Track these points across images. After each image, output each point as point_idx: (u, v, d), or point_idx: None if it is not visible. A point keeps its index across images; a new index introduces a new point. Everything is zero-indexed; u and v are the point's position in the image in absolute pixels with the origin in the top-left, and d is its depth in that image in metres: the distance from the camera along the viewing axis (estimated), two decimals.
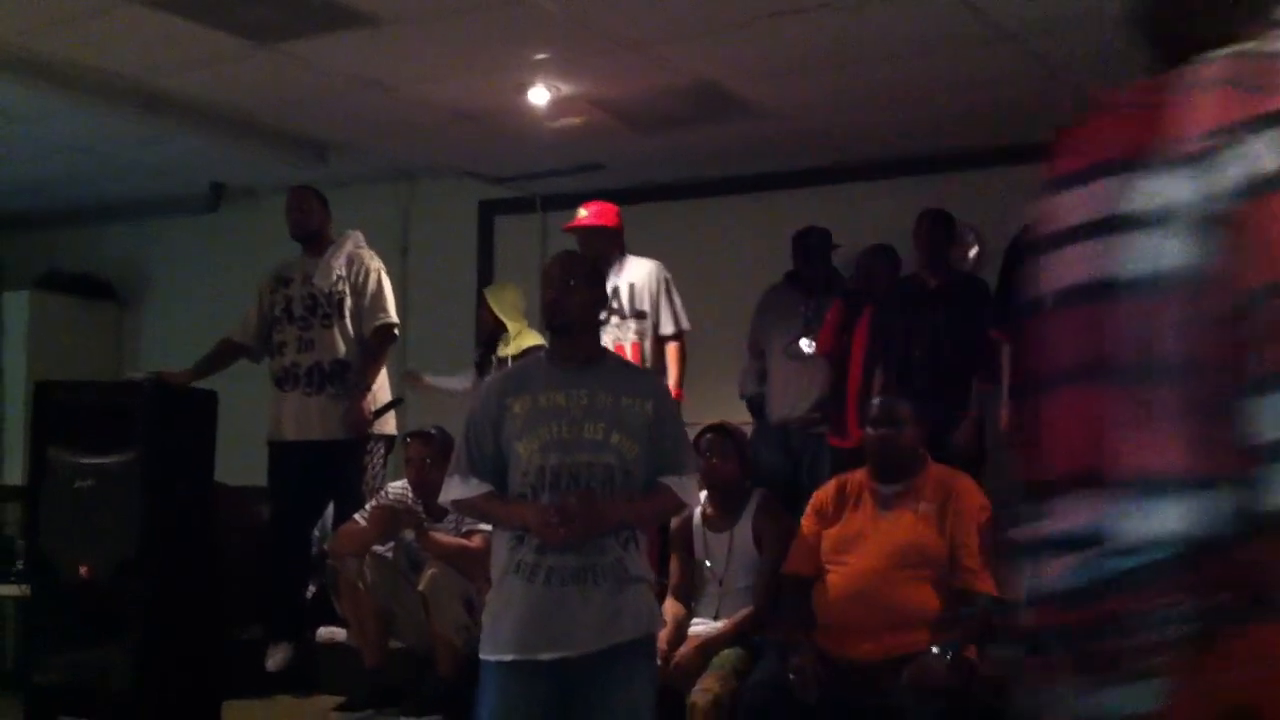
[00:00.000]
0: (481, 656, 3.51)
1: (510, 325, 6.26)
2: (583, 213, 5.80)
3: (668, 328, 5.69)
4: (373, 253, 5.86)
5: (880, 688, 4.21)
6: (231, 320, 5.99)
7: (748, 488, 4.91)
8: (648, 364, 5.53)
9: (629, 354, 5.51)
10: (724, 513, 4.84)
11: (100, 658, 5.38)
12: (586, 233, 5.73)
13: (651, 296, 5.69)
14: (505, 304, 6.56)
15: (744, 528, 4.80)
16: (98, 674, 5.35)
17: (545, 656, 3.40)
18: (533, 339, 6.24)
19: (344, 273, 5.73)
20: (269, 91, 6.18)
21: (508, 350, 6.30)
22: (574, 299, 3.58)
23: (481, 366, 6.69)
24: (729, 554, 4.81)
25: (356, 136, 6.96)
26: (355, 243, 5.85)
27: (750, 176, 7.28)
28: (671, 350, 5.67)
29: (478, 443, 3.54)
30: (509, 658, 3.43)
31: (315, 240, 5.83)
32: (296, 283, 5.77)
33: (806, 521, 4.69)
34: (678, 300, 5.73)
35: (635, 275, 5.71)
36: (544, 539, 3.39)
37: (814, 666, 4.35)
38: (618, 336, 5.57)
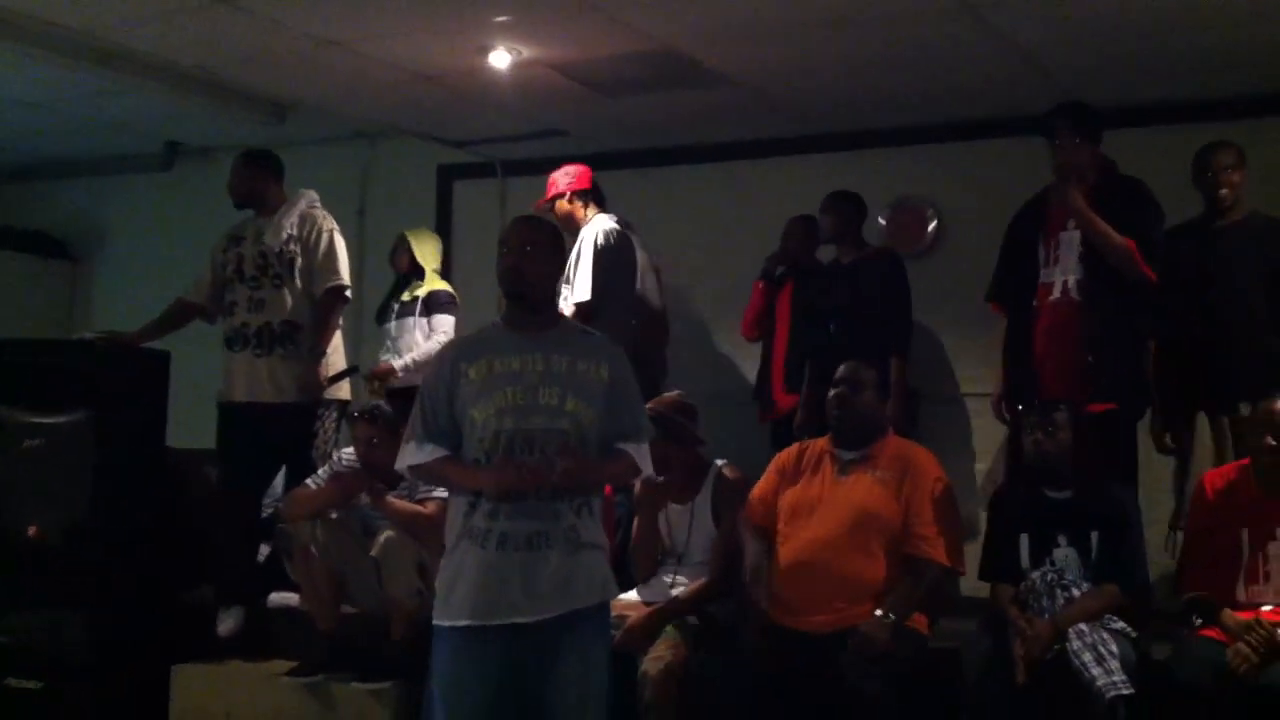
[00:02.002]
0: (435, 622, 3.51)
1: (428, 270, 6.71)
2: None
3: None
4: (326, 213, 5.80)
5: (830, 658, 4.23)
6: (186, 280, 5.92)
7: (706, 461, 4.89)
8: None
9: None
10: (685, 486, 4.84)
11: (50, 619, 5.36)
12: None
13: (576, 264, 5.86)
14: (426, 249, 6.74)
15: (704, 500, 4.80)
16: (48, 635, 5.32)
17: (498, 622, 3.40)
18: (441, 286, 6.69)
19: (295, 232, 5.67)
20: (226, 48, 6.09)
21: (417, 293, 6.66)
22: (532, 265, 3.55)
23: (383, 313, 6.76)
24: (690, 527, 4.81)
25: (315, 96, 6.87)
26: (309, 202, 5.79)
27: (713, 145, 7.25)
28: None
29: (433, 409, 3.53)
30: (462, 623, 3.42)
31: (260, 204, 5.77)
32: (248, 242, 5.72)
33: (767, 477, 4.75)
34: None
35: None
36: (506, 492, 3.38)
37: (764, 639, 4.38)
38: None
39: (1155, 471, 5.29)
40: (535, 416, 3.45)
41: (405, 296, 6.75)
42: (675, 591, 4.71)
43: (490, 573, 3.41)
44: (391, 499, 5.03)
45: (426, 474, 3.68)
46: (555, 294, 3.77)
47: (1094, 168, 5.00)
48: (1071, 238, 4.94)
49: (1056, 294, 4.97)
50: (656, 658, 4.42)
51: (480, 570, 3.42)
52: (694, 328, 7.11)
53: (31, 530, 5.38)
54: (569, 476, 3.41)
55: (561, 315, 3.86)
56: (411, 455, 3.55)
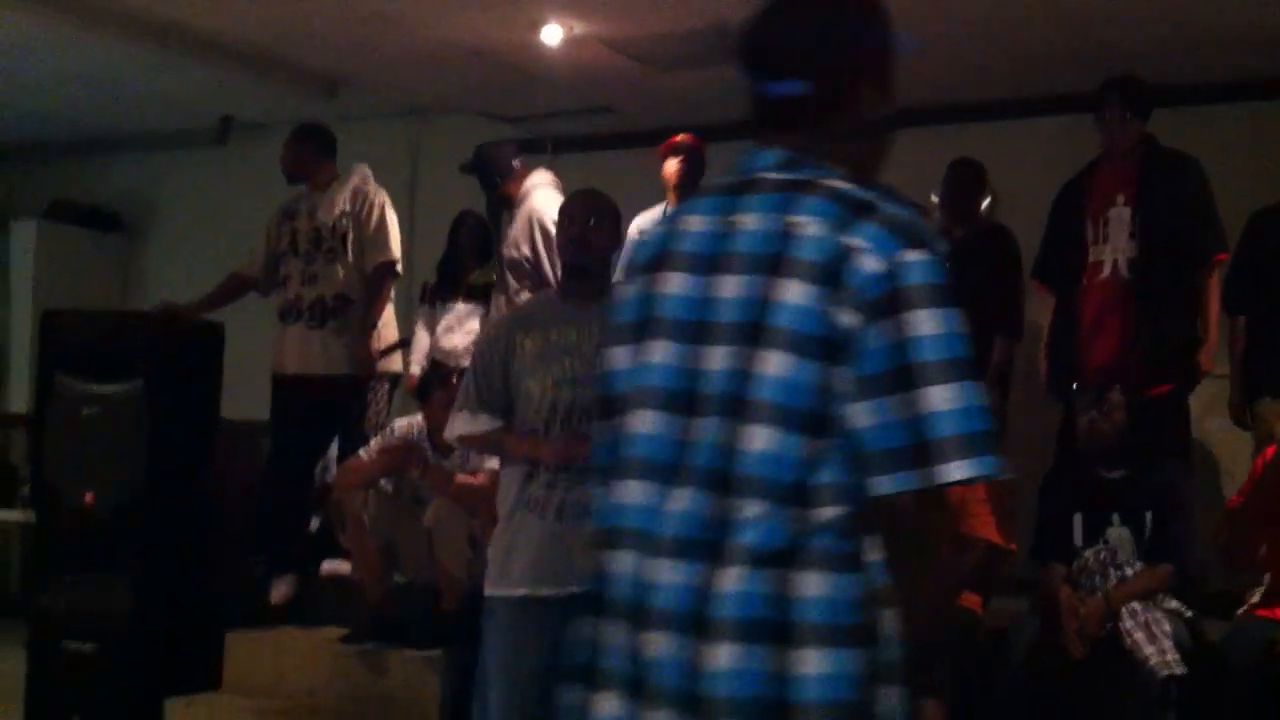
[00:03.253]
0: (488, 592, 3.51)
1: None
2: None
3: None
4: (378, 188, 5.83)
5: None
6: (239, 254, 5.98)
7: None
8: None
9: None
10: None
11: (104, 584, 5.41)
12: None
13: None
14: None
15: None
16: (101, 601, 5.38)
17: (555, 592, 3.39)
18: None
19: (348, 207, 5.70)
20: (280, 24, 6.14)
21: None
22: (596, 237, 3.56)
23: (440, 291, 6.44)
24: None
25: (367, 71, 6.91)
26: (361, 177, 5.82)
27: None
28: None
29: (486, 378, 3.52)
30: (519, 593, 3.42)
31: (311, 179, 5.81)
32: (302, 216, 5.76)
33: None
34: None
35: None
36: (567, 461, 3.37)
37: None
38: None
39: (1207, 450, 5.24)
40: (592, 388, 3.45)
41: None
42: None
43: (549, 542, 3.40)
44: (442, 470, 5.06)
45: (480, 444, 3.70)
46: (609, 264, 3.78)
47: (1140, 143, 4.96)
48: (1121, 214, 4.89)
49: (1106, 272, 4.93)
50: None
51: (538, 540, 3.41)
52: None
53: (87, 497, 5.44)
54: None
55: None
56: (464, 425, 3.55)
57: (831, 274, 1.68)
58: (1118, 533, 4.30)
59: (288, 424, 5.73)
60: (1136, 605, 4.04)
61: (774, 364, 1.68)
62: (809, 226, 1.72)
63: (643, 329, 1.83)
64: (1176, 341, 4.86)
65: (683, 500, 1.73)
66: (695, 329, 1.77)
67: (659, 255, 1.86)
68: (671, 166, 5.75)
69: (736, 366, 1.71)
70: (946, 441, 1.63)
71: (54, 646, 5.39)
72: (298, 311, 5.66)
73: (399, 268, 5.79)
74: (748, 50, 1.95)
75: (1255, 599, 4.22)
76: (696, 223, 1.85)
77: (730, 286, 1.75)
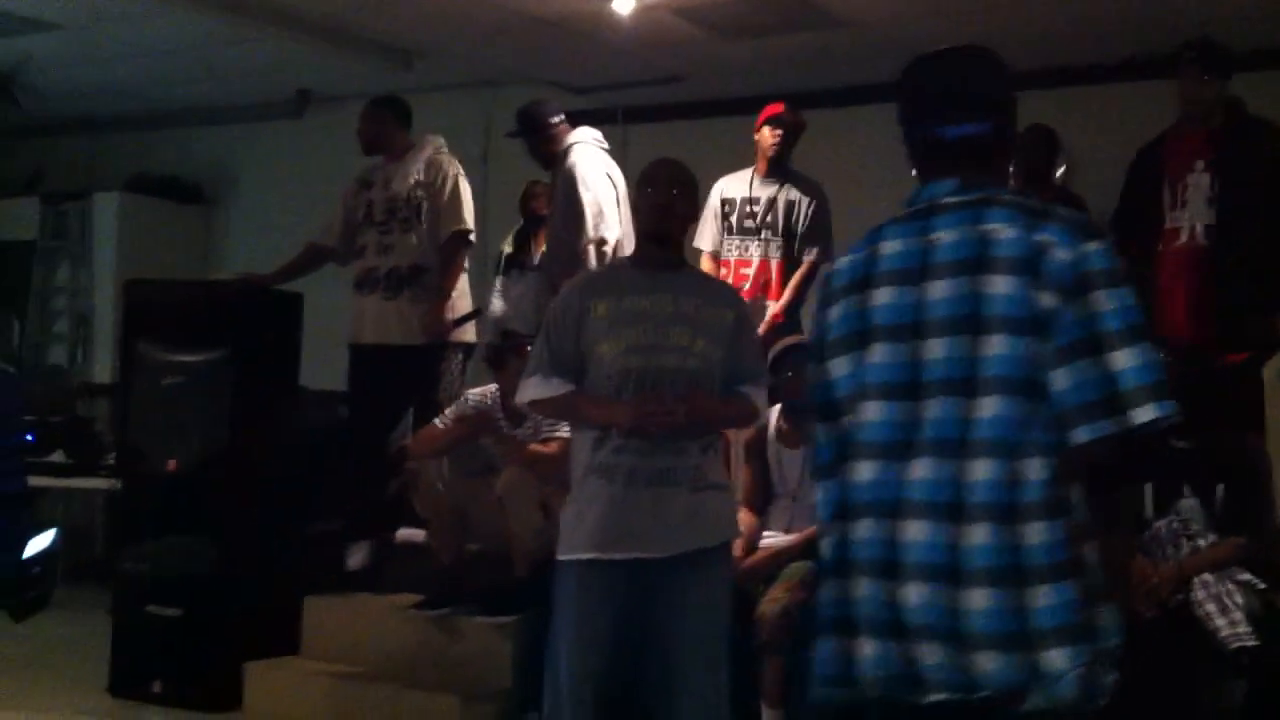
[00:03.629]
0: (559, 557, 3.56)
1: None
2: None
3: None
4: (452, 158, 5.87)
5: None
6: (316, 224, 6.06)
7: None
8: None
9: (773, 272, 5.67)
10: (798, 429, 4.85)
11: (186, 549, 5.54)
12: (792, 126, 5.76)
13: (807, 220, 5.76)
14: None
15: None
16: (183, 565, 5.51)
17: (623, 556, 3.44)
18: None
19: (422, 177, 5.75)
20: None
21: None
22: (679, 207, 3.59)
23: (514, 261, 6.55)
24: (802, 470, 4.82)
25: (442, 43, 6.97)
26: (435, 148, 5.87)
27: (835, 90, 7.19)
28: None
29: (559, 343, 3.55)
30: (587, 556, 3.47)
31: (386, 150, 5.87)
32: (378, 186, 5.82)
33: None
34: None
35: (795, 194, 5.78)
36: (640, 427, 3.41)
37: None
38: (766, 253, 5.68)
39: None
40: (665, 355, 3.48)
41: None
42: (791, 535, 4.74)
43: (617, 507, 3.44)
44: (514, 439, 5.12)
45: (553, 407, 3.72)
46: (684, 235, 3.80)
47: (1220, 108, 4.88)
48: (1200, 181, 4.82)
49: (1184, 239, 4.87)
50: (772, 600, 4.45)
51: (607, 505, 3.45)
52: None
53: (171, 464, 5.57)
54: (699, 416, 3.45)
55: (685, 259, 3.89)
56: (536, 389, 3.58)
57: (1031, 265, 2.09)
58: (1188, 504, 4.27)
59: (365, 393, 5.80)
60: (1208, 576, 4.02)
61: (995, 344, 2.09)
62: (1003, 231, 2.14)
63: (860, 338, 2.25)
64: (1253, 309, 4.79)
65: (923, 469, 2.13)
66: (911, 329, 2.18)
67: (864, 277, 2.28)
68: (769, 137, 5.77)
69: (959, 353, 2.12)
70: (1134, 391, 2.04)
71: (137, 611, 5.54)
72: (374, 281, 5.73)
73: (472, 237, 5.83)
74: (921, 98, 2.37)
75: None
76: (893, 246, 2.27)
77: (940, 289, 2.16)
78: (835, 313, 2.32)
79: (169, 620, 5.49)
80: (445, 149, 5.90)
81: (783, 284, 5.69)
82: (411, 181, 5.74)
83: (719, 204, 5.83)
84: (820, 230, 5.75)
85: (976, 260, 2.14)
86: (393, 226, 5.74)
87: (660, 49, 6.67)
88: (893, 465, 2.17)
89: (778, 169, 5.76)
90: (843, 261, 2.37)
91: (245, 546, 5.53)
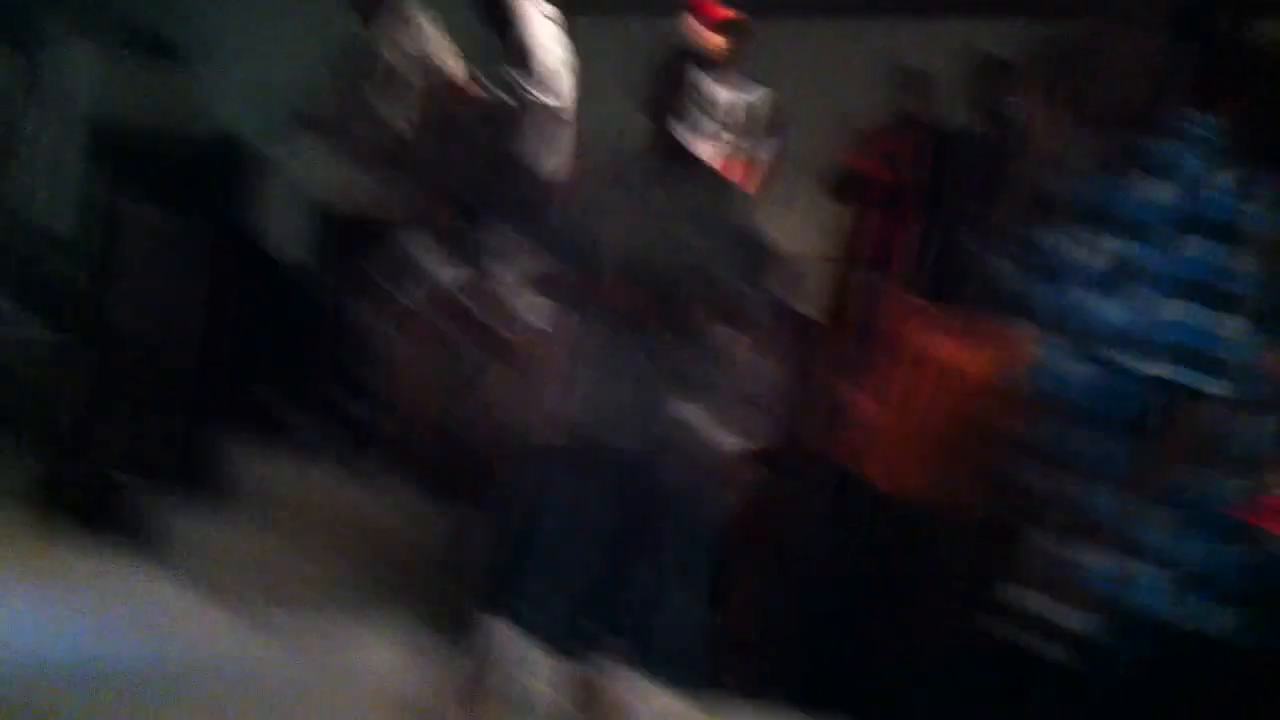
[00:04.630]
0: (543, 443, 3.53)
1: None
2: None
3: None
4: None
5: None
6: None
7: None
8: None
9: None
10: None
11: (154, 418, 5.49)
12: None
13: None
14: None
15: None
16: (153, 433, 5.46)
17: (608, 446, 3.43)
18: None
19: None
20: None
21: None
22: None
23: None
24: None
25: None
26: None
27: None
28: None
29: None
30: (575, 443, 3.46)
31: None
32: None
33: None
34: None
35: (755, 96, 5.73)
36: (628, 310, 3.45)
37: None
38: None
39: None
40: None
41: None
42: None
43: (602, 399, 3.45)
44: (496, 329, 5.06)
45: (546, 287, 3.75)
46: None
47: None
48: None
49: None
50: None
51: (592, 397, 3.46)
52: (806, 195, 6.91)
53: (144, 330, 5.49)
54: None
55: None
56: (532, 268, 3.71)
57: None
58: None
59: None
60: None
61: None
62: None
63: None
64: None
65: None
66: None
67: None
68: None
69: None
70: None
71: None
72: None
73: None
74: None
75: None
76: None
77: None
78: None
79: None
80: None
81: None
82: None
83: None
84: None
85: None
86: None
87: None
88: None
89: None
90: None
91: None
